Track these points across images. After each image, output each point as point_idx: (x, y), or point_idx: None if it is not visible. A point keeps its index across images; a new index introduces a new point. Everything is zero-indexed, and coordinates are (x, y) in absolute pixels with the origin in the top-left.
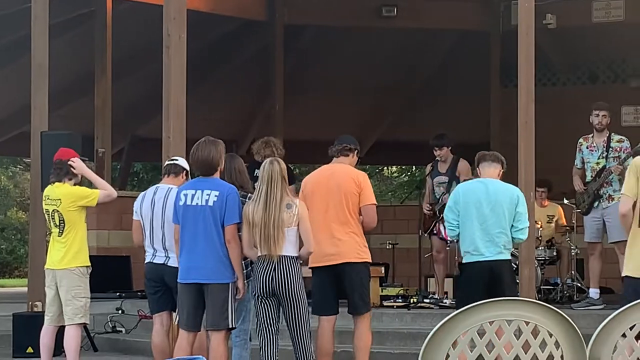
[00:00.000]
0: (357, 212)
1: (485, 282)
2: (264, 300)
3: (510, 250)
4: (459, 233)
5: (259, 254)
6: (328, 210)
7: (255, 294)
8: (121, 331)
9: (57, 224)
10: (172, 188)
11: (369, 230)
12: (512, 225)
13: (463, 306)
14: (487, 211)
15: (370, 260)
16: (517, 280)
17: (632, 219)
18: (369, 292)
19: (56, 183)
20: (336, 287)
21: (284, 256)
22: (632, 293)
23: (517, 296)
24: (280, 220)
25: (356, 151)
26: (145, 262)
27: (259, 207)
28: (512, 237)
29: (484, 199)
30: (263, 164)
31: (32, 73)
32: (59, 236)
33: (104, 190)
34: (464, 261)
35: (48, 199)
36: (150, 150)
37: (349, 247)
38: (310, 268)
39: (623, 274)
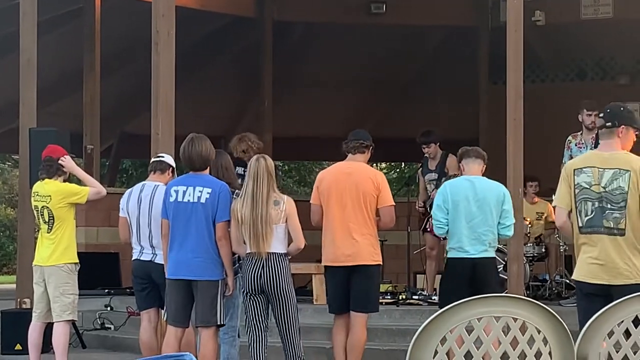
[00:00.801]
0: (374, 212)
1: (467, 279)
2: (253, 298)
3: (495, 248)
4: (447, 230)
5: (248, 251)
6: (346, 210)
7: (244, 291)
8: (110, 328)
9: (47, 220)
10: (158, 185)
11: (385, 229)
12: (499, 223)
13: (445, 302)
14: (475, 209)
15: (382, 263)
16: (505, 277)
17: (571, 228)
18: (378, 293)
19: (46, 179)
20: (348, 286)
21: (273, 253)
22: (582, 297)
23: (500, 293)
24: (268, 217)
25: (371, 147)
26: (133, 259)
27: (246, 204)
28: (499, 234)
29: (472, 196)
30: (250, 160)
31: (21, 69)
32: (47, 233)
33: (94, 187)
34: (448, 256)
35: (37, 195)
36: (139, 147)
37: (365, 249)
38: (325, 266)
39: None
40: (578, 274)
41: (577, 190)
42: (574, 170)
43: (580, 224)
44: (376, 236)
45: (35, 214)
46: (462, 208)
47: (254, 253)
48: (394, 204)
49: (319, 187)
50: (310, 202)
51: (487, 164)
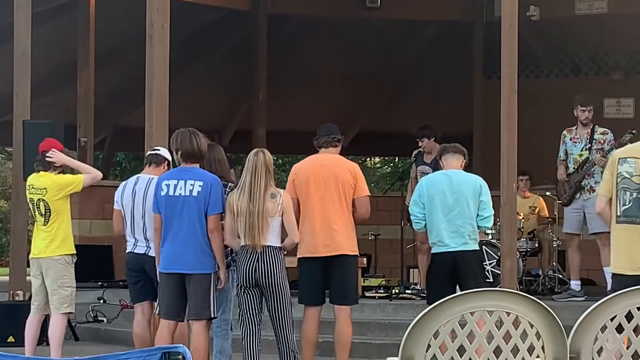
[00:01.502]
0: (351, 203)
1: (449, 272)
2: (247, 291)
3: (477, 240)
4: (425, 225)
5: (243, 244)
6: (324, 201)
7: (238, 284)
8: (103, 321)
9: (43, 213)
10: (153, 178)
11: (361, 221)
12: (478, 214)
13: (432, 296)
14: (451, 202)
15: (359, 253)
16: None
17: (609, 217)
18: (357, 285)
19: (41, 172)
20: (324, 278)
21: (268, 246)
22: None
23: (485, 285)
24: (265, 210)
25: (341, 141)
26: (127, 251)
27: (243, 196)
28: (478, 226)
29: (448, 190)
30: (249, 154)
31: (15, 62)
32: (44, 225)
33: (88, 173)
34: (432, 252)
35: (32, 188)
36: (133, 140)
37: (344, 239)
38: (301, 258)
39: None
40: (615, 266)
41: (618, 179)
42: (619, 159)
43: (618, 213)
44: (353, 227)
45: (31, 207)
46: (438, 201)
47: (248, 246)
48: (369, 194)
49: (295, 180)
50: None
51: (466, 160)
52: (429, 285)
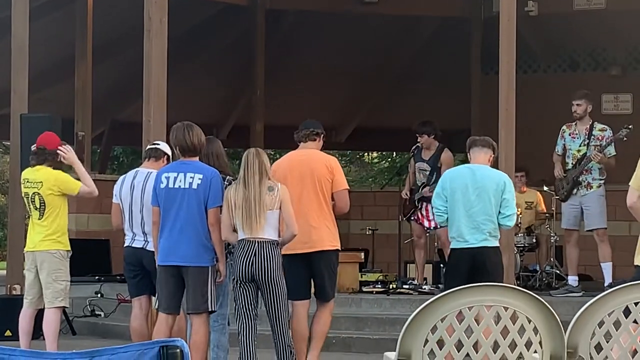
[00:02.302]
0: (329, 197)
1: (467, 269)
2: (243, 285)
3: (498, 237)
4: (447, 219)
5: (240, 238)
6: (302, 197)
7: (234, 279)
8: (100, 315)
9: (38, 207)
10: (151, 172)
11: (340, 214)
12: (499, 212)
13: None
14: (473, 197)
15: (340, 248)
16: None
17: None
18: (336, 279)
19: (36, 166)
20: (308, 272)
21: (265, 241)
22: None
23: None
24: (262, 202)
25: (322, 135)
26: (124, 245)
27: (239, 189)
28: (499, 224)
29: (471, 184)
30: (246, 153)
31: (12, 56)
32: (39, 219)
33: (87, 187)
34: (451, 247)
35: (27, 182)
36: (131, 134)
37: (323, 235)
38: (283, 255)
39: (635, 263)
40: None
41: None
42: None
43: None
44: (333, 221)
45: (26, 201)
46: (460, 196)
47: (245, 240)
48: (348, 187)
49: (274, 177)
50: None
51: (496, 154)
52: (447, 280)
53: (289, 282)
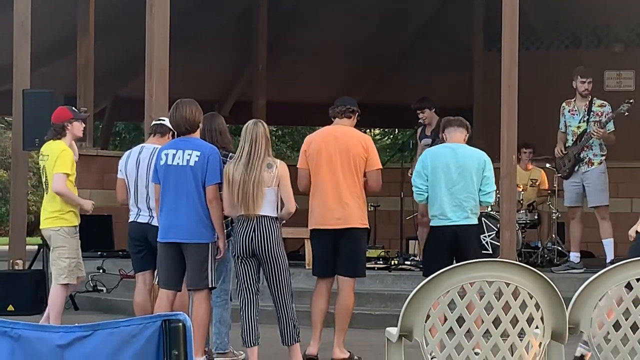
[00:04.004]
0: (362, 175)
1: (450, 245)
2: (244, 261)
3: (477, 215)
4: (427, 197)
5: (239, 214)
6: (336, 173)
7: (235, 255)
8: (102, 290)
9: (44, 180)
10: (157, 148)
11: (372, 194)
12: (480, 189)
13: (428, 269)
14: (455, 176)
15: (369, 227)
16: (497, 243)
17: None
18: (365, 257)
19: (51, 140)
20: (335, 250)
21: (264, 217)
22: None
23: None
24: (260, 179)
25: (357, 113)
26: (129, 221)
27: (239, 165)
28: (480, 201)
29: (452, 163)
30: (246, 124)
31: (15, 32)
32: (46, 194)
33: (61, 187)
34: (431, 224)
35: (42, 155)
36: (133, 110)
37: (355, 212)
38: (312, 230)
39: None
40: None
41: None
42: None
43: None
44: (364, 200)
45: (42, 176)
46: (442, 174)
47: (244, 216)
48: (382, 167)
49: (307, 150)
50: (298, 166)
51: (470, 133)
52: (427, 257)
53: (315, 257)
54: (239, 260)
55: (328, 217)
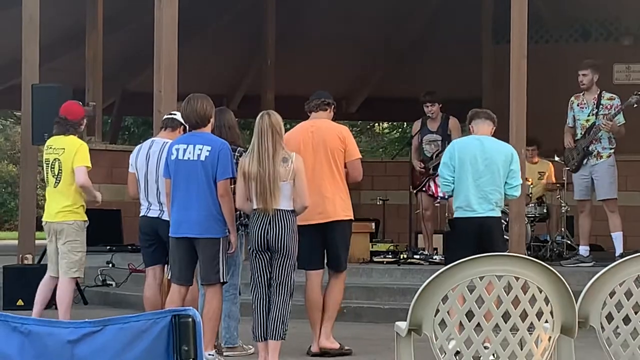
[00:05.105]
0: (342, 167)
1: (475, 237)
2: (259, 255)
3: (502, 208)
4: (453, 189)
5: (254, 207)
6: (315, 168)
7: (250, 248)
8: (111, 285)
9: (56, 173)
10: (167, 142)
11: (353, 184)
12: (506, 182)
13: (453, 260)
14: (482, 168)
15: (353, 218)
16: (506, 237)
17: None
18: (348, 249)
19: (60, 135)
20: (322, 243)
21: (280, 210)
22: None
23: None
24: (276, 174)
25: (333, 106)
26: (140, 215)
27: (253, 160)
28: (506, 194)
29: (480, 155)
30: (258, 117)
31: (23, 26)
32: (54, 187)
33: (86, 182)
34: (455, 216)
35: (50, 148)
36: (141, 104)
37: (337, 205)
38: (298, 225)
39: None
40: None
41: None
42: None
43: None
44: (347, 191)
45: (44, 168)
46: (469, 166)
47: (260, 210)
48: (361, 156)
49: (286, 148)
50: None
51: (496, 126)
52: (451, 250)
53: (302, 252)
54: (254, 254)
55: (311, 212)
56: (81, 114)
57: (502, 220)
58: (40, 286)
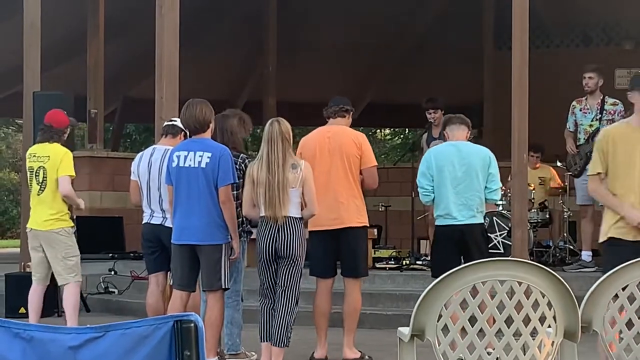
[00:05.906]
0: (358, 174)
1: (457, 245)
2: (266, 263)
3: (483, 213)
4: (433, 198)
5: (262, 214)
6: (330, 173)
7: (257, 256)
8: (114, 292)
9: (40, 181)
10: (169, 149)
11: (370, 191)
12: (486, 187)
13: (438, 269)
14: (460, 174)
15: (368, 224)
16: (509, 243)
17: None
18: (367, 256)
19: (45, 143)
20: (335, 250)
21: (289, 217)
22: None
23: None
24: (285, 181)
25: (351, 112)
26: (143, 222)
27: (262, 168)
28: (486, 199)
29: (457, 161)
30: (267, 124)
31: (25, 33)
32: (38, 195)
33: (69, 191)
34: (436, 224)
35: (34, 156)
36: (143, 111)
37: (351, 211)
38: (310, 231)
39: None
40: None
41: None
42: None
43: None
44: (361, 198)
45: (29, 176)
46: (447, 173)
47: (269, 217)
48: (377, 164)
49: (302, 153)
50: None
51: (471, 131)
52: (435, 258)
53: (316, 258)
54: (262, 263)
55: (324, 217)
56: (66, 122)
57: (504, 226)
58: (29, 296)
